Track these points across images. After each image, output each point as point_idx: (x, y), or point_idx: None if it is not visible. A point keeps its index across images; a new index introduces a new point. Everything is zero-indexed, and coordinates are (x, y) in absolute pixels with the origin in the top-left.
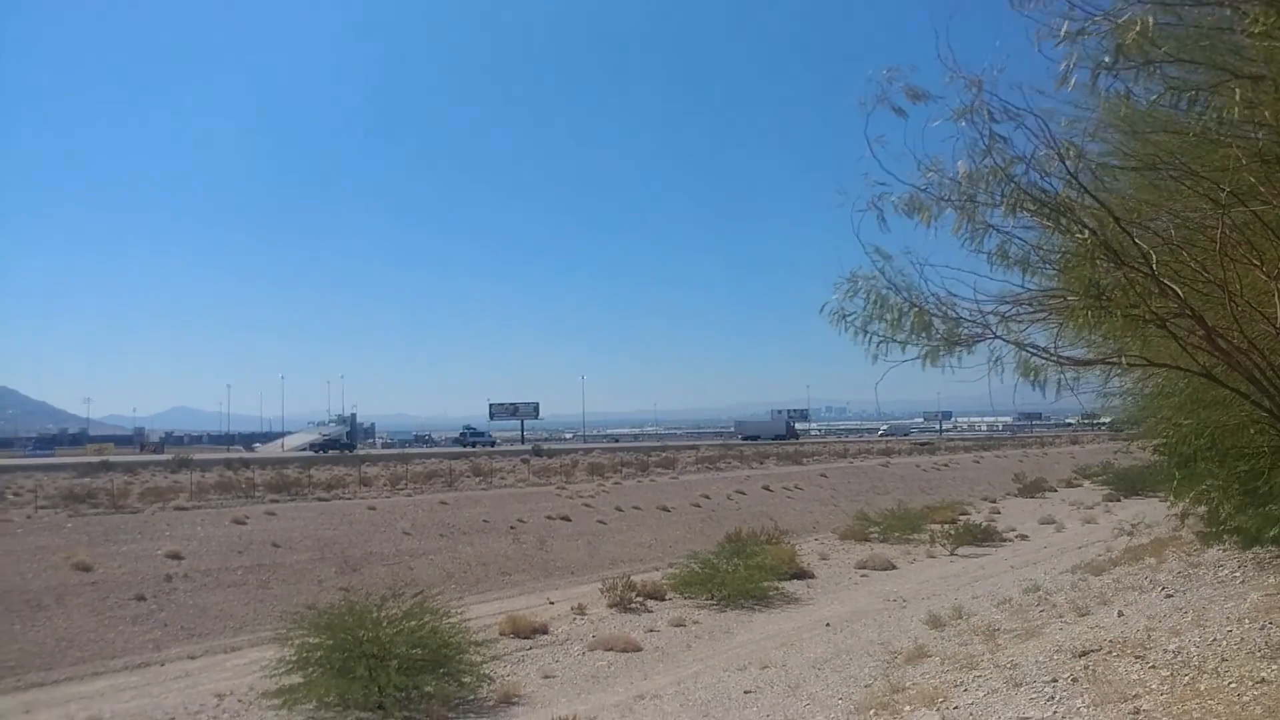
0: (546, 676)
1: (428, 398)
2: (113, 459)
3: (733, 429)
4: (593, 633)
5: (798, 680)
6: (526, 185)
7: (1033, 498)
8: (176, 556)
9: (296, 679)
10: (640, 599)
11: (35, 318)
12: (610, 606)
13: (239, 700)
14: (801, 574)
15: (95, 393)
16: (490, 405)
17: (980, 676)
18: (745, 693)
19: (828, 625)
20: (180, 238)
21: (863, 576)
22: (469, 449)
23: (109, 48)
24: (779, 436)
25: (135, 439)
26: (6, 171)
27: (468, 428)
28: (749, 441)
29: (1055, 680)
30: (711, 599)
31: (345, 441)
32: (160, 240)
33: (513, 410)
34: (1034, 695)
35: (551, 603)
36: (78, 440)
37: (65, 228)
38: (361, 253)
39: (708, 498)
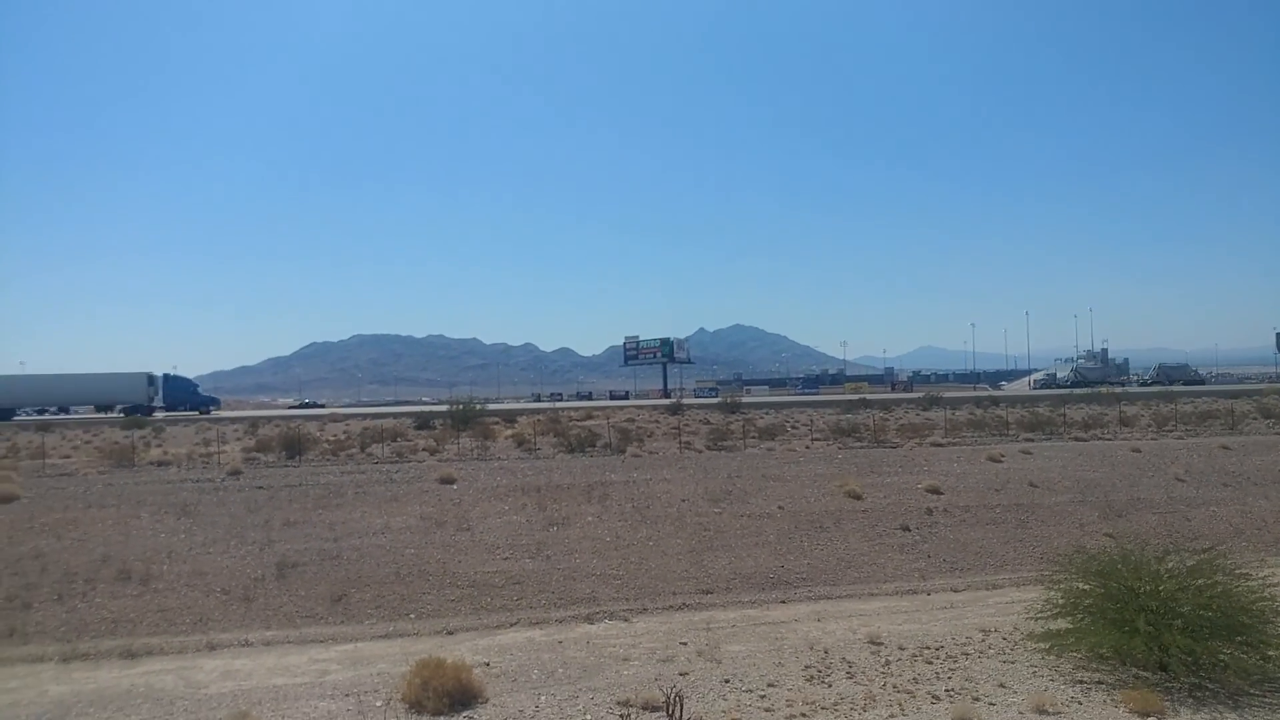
0: None
1: (1192, 329)
2: (869, 396)
3: None
4: None
5: None
6: None
7: None
8: (935, 491)
9: (1064, 624)
10: None
11: (803, 267)
12: None
13: (1003, 638)
14: None
15: (851, 336)
16: (1278, 334)
17: None
18: None
19: None
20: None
21: None
22: None
23: None
24: None
25: (886, 378)
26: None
27: None
28: None
29: None
30: None
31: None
32: (881, 192)
33: None
34: None
35: None
36: (836, 379)
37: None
38: (1115, 181)
39: None
